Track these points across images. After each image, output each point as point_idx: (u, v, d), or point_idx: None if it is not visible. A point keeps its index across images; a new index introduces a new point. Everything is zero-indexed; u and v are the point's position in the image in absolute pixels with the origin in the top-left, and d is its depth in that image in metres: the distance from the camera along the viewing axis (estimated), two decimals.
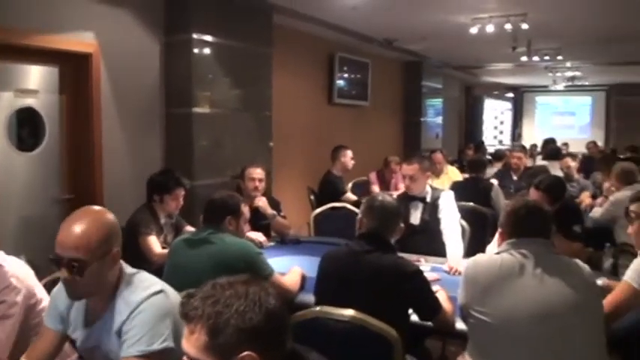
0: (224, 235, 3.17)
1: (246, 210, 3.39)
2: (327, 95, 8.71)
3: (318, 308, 2.66)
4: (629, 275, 2.78)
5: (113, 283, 2.13)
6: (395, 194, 5.17)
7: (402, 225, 3.00)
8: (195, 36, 5.55)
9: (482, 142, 14.14)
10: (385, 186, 7.49)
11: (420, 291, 2.73)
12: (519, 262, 2.42)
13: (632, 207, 3.05)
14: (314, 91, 8.46)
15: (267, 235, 4.70)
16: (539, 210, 2.61)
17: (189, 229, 4.40)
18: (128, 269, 2.19)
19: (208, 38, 5.68)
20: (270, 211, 4.84)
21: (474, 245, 4.50)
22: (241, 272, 2.74)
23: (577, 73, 13.32)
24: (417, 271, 2.73)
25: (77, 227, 2.03)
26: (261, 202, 4.85)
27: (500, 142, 17.10)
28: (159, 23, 5.55)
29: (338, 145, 6.87)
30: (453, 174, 7.96)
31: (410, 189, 4.49)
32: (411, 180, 4.46)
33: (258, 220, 4.73)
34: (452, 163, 9.37)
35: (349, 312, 2.55)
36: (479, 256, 2.59)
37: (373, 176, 7.55)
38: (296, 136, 7.91)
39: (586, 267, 2.49)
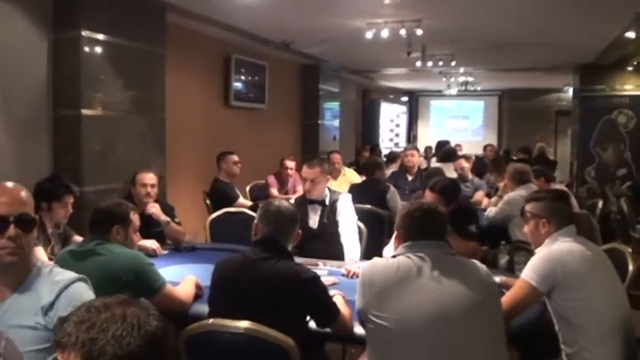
0: (112, 246, 2.99)
1: (135, 218, 3.22)
2: (224, 98, 8.57)
3: (211, 321, 2.55)
4: (526, 273, 2.86)
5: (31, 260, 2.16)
6: (294, 197, 5.16)
7: (300, 230, 2.95)
8: (84, 33, 5.30)
9: (378, 145, 14.34)
10: (283, 188, 7.46)
11: (317, 298, 2.68)
12: (416, 265, 2.42)
13: (528, 207, 3.13)
14: (210, 93, 8.31)
15: (161, 242, 4.53)
16: (434, 212, 2.62)
17: (78, 239, 4.16)
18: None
19: (99, 36, 5.44)
20: (163, 217, 4.68)
21: (372, 247, 4.56)
22: (130, 285, 2.69)
23: (470, 79, 13.73)
24: (313, 277, 2.68)
25: (14, 187, 2.12)
26: (154, 208, 4.69)
27: (396, 144, 17.44)
28: (46, 19, 5.27)
29: (222, 151, 6.72)
30: (351, 176, 8.03)
31: (310, 192, 4.49)
32: (312, 183, 4.46)
33: (151, 228, 4.55)
34: (349, 166, 9.47)
35: (244, 324, 2.47)
36: (375, 260, 2.57)
37: (272, 179, 7.50)
38: (191, 139, 7.74)
39: (483, 267, 2.52)
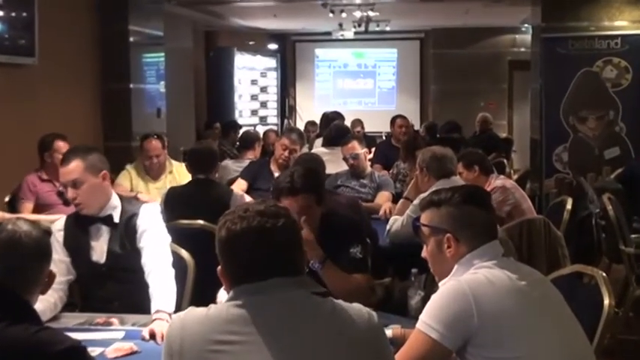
0: None
1: None
2: None
3: None
4: (422, 321, 2.89)
5: None
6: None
7: (52, 270, 2.90)
8: None
9: (237, 124, 14.21)
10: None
11: None
12: (252, 317, 2.39)
13: (423, 218, 3.17)
14: None
15: None
16: (264, 229, 2.50)
17: None
18: None
19: None
20: None
21: (206, 287, 4.43)
22: None
23: (372, 13, 13.81)
24: (71, 349, 2.60)
25: None
26: None
27: (263, 119, 17.51)
28: None
29: None
30: (183, 175, 7.92)
31: (81, 206, 4.36)
32: (75, 190, 4.31)
33: None
34: (183, 157, 9.38)
35: None
36: (190, 311, 2.53)
37: (35, 180, 7.23)
38: None
39: (369, 314, 2.50)
